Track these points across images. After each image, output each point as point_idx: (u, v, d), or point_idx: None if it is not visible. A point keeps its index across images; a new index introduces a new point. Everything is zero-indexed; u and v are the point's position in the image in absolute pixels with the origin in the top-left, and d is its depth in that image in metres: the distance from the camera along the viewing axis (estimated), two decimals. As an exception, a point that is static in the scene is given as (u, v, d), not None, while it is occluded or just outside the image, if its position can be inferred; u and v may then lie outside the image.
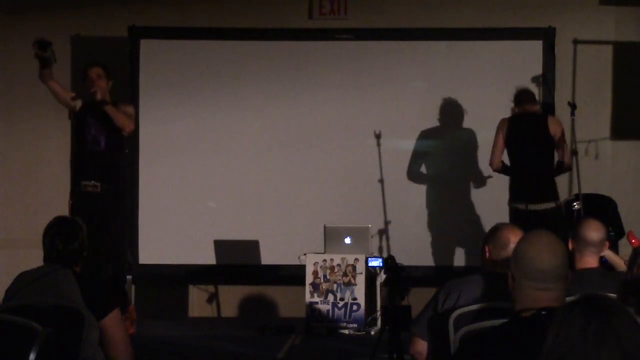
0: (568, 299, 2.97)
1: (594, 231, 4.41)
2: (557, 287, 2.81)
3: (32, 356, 3.55)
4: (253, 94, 8.27)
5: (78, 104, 6.92)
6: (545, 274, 2.79)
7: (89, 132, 6.87)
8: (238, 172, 8.26)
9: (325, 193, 8.22)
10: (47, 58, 6.60)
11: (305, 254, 7.30)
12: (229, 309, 8.45)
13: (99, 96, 6.78)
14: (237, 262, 8.28)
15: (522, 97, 7.29)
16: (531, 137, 7.16)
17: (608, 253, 4.82)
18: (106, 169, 6.88)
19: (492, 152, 7.26)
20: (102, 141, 6.86)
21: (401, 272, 5.57)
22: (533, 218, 6.96)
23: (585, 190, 7.40)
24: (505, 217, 7.99)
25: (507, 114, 8.16)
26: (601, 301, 2.16)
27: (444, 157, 8.20)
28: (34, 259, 5.04)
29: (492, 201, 8.11)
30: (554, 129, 7.13)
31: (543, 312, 2.75)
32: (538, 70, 8.11)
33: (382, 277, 7.22)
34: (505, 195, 7.45)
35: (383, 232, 8.14)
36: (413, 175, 8.23)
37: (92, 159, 6.86)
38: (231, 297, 8.46)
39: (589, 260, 4.38)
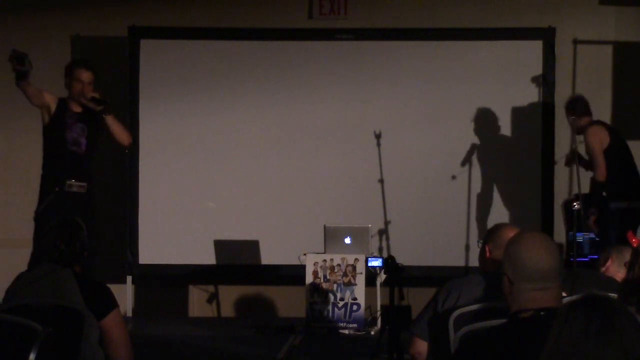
0: (568, 298, 2.98)
1: None
2: (555, 286, 2.82)
3: (32, 356, 3.55)
4: (253, 94, 8.27)
5: (53, 103, 6.72)
6: (544, 274, 2.80)
7: (70, 133, 6.71)
8: (238, 172, 8.26)
9: (325, 193, 8.21)
10: (27, 71, 6.39)
11: (305, 254, 7.30)
12: (229, 309, 8.45)
13: (100, 107, 6.67)
14: (237, 262, 8.28)
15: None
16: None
17: None
18: (87, 171, 6.78)
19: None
20: (84, 144, 6.72)
21: (401, 272, 5.57)
22: None
23: (585, 190, 7.39)
24: (503, 217, 8.00)
25: (506, 114, 8.17)
26: (602, 300, 2.16)
27: (444, 157, 8.19)
28: (34, 259, 5.06)
29: (492, 201, 8.12)
30: None
31: (542, 313, 2.76)
32: (538, 70, 8.11)
33: (382, 277, 7.22)
34: (504, 194, 7.45)
35: (383, 232, 8.14)
36: (413, 175, 8.22)
37: (74, 161, 6.71)
38: (231, 297, 8.46)
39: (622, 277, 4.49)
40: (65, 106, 6.74)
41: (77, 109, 6.72)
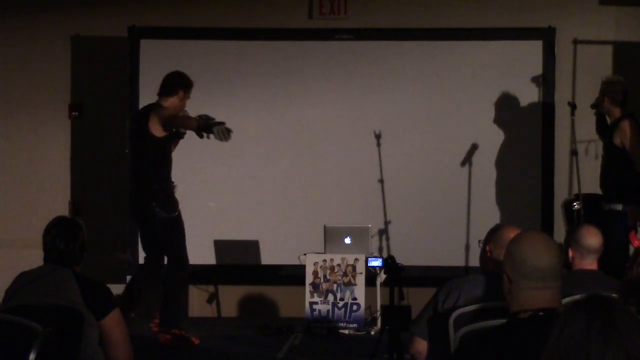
0: (569, 298, 2.97)
1: (593, 237, 4.52)
2: (555, 286, 2.82)
3: (32, 356, 3.55)
4: (253, 94, 8.26)
5: None
6: (543, 273, 2.80)
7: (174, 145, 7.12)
8: (238, 172, 8.26)
9: (325, 193, 8.21)
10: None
11: (305, 254, 7.30)
12: (229, 309, 8.45)
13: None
14: (237, 262, 8.28)
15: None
16: None
17: None
18: None
19: None
20: None
21: (401, 272, 5.56)
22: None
23: (585, 190, 7.40)
24: (503, 217, 8.00)
25: (506, 114, 8.17)
26: (604, 301, 2.16)
27: (444, 157, 8.19)
28: (34, 259, 5.06)
29: (492, 201, 8.11)
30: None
31: (540, 313, 2.76)
32: (538, 70, 8.11)
33: (382, 277, 7.22)
34: (504, 195, 7.42)
35: (383, 232, 8.14)
36: (413, 175, 8.22)
37: None
38: (231, 297, 8.46)
39: (590, 263, 4.49)
40: None
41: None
